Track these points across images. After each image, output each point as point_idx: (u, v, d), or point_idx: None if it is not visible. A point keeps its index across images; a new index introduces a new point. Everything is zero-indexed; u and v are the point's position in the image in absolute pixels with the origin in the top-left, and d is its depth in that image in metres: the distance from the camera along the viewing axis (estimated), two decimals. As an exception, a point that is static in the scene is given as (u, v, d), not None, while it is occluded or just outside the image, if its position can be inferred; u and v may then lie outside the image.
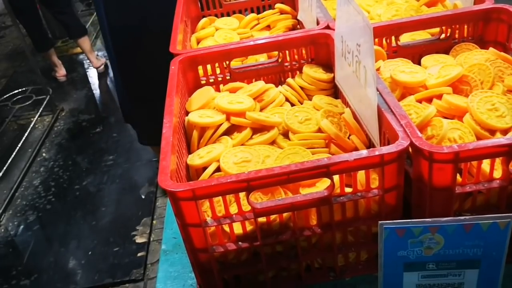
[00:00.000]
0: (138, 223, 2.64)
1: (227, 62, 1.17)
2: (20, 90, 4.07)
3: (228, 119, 0.99)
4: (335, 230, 0.75)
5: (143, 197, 2.84)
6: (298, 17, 1.54)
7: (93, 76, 4.52)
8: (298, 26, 1.57)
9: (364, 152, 0.67)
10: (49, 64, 4.43)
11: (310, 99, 1.10)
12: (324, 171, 0.68)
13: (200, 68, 1.17)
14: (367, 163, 0.68)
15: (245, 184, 0.68)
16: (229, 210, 0.73)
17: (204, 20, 1.64)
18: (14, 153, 3.20)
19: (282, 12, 1.64)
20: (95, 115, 3.85)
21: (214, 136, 0.97)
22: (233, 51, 1.16)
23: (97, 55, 4.66)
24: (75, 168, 3.20)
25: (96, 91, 4.33)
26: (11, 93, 4.03)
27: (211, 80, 1.18)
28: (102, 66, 4.47)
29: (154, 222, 2.65)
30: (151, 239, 2.53)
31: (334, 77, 1.10)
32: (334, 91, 1.13)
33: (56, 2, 4.09)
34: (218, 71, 1.19)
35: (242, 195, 0.71)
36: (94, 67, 4.47)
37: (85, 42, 4.41)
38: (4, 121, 3.72)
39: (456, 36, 1.07)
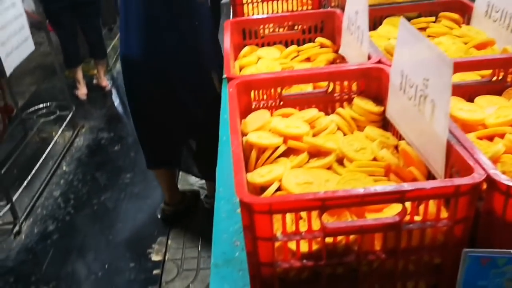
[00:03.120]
0: (153, 241, 2.65)
1: (280, 89, 1.21)
2: (44, 105, 4.13)
3: (285, 142, 1.02)
4: (399, 257, 0.77)
5: (159, 216, 2.85)
6: (340, 52, 1.59)
7: (112, 97, 4.62)
8: (338, 61, 1.62)
9: (440, 182, 0.69)
10: (70, 82, 4.53)
11: (359, 130, 1.14)
12: (399, 196, 0.70)
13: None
14: (441, 192, 0.70)
15: (320, 203, 0.71)
16: (299, 227, 0.75)
17: (246, 48, 1.70)
18: (37, 165, 3.23)
19: (322, 46, 1.69)
20: (114, 134, 3.90)
21: (272, 157, 1.00)
22: (286, 78, 1.20)
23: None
24: (94, 183, 3.23)
25: (115, 111, 4.42)
26: (36, 107, 4.09)
27: (262, 105, 1.22)
28: (109, 87, 4.66)
29: (169, 242, 2.65)
30: (166, 258, 2.53)
31: (384, 110, 1.13)
32: (383, 124, 1.17)
33: (92, 21, 4.23)
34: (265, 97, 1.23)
35: (313, 214, 0.73)
36: (101, 86, 4.62)
37: (103, 64, 4.57)
38: (27, 134, 3.78)
39: (508, 79, 1.11)
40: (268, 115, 1.11)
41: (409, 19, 1.68)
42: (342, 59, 1.57)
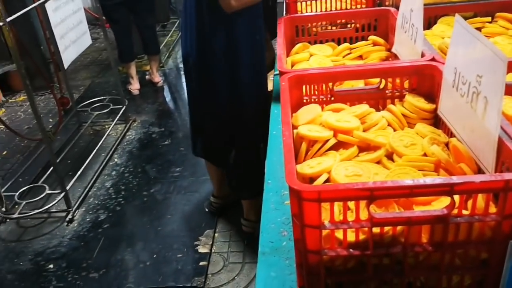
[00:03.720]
0: (201, 233, 2.71)
1: (331, 84, 1.23)
2: (98, 98, 4.30)
3: (335, 135, 1.04)
4: (446, 250, 0.77)
5: (206, 210, 2.92)
6: (393, 50, 1.59)
7: (163, 93, 4.74)
8: (390, 59, 1.61)
9: (490, 176, 0.70)
10: (124, 77, 4.69)
11: (410, 127, 1.14)
12: (448, 189, 0.71)
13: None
14: (490, 187, 0.70)
15: (368, 193, 0.72)
16: (347, 217, 0.77)
17: (298, 45, 1.72)
18: (90, 156, 3.37)
19: (375, 44, 1.69)
20: (164, 129, 4.01)
21: (322, 149, 1.02)
22: (339, 74, 1.22)
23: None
24: (144, 175, 3.34)
25: (166, 106, 4.53)
26: (90, 101, 4.26)
27: (313, 99, 1.24)
28: (161, 83, 4.76)
29: (216, 235, 2.71)
30: (213, 250, 2.59)
31: (436, 108, 1.13)
32: (434, 122, 1.16)
33: (146, 17, 4.37)
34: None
35: (361, 204, 0.75)
36: (154, 81, 4.73)
37: (156, 60, 4.70)
38: (82, 126, 3.95)
39: None
40: (319, 109, 1.13)
41: (464, 18, 1.66)
42: (395, 58, 1.56)
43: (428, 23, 1.75)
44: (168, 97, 4.72)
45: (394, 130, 1.12)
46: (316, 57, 1.63)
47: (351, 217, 0.78)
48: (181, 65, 5.19)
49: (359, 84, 1.34)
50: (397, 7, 1.78)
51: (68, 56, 2.94)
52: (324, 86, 1.23)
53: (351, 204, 0.77)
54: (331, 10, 2.01)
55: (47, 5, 2.70)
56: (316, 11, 2.01)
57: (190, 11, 2.11)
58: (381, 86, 1.24)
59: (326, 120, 1.06)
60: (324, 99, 1.24)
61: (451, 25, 1.61)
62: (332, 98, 1.24)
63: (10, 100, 4.85)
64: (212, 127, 2.36)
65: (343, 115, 1.09)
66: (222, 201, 2.82)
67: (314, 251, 0.79)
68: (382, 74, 1.22)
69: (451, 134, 1.03)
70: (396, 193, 0.73)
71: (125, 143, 3.80)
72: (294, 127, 1.10)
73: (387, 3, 2.06)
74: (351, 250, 0.79)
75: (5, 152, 3.88)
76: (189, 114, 2.45)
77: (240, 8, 1.96)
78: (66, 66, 2.97)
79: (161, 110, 4.40)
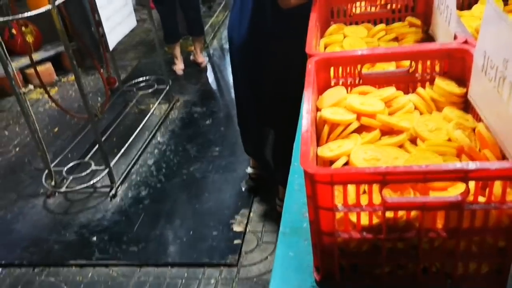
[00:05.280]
0: (236, 212, 2.77)
1: (359, 67, 1.22)
2: (144, 78, 4.40)
3: (358, 119, 1.04)
4: (461, 237, 0.77)
5: (243, 189, 2.97)
6: (430, 31, 1.55)
7: (206, 73, 4.79)
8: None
9: (506, 163, 0.68)
10: (169, 58, 4.76)
11: (439, 111, 1.12)
12: (462, 176, 0.70)
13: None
14: (507, 174, 0.69)
15: (381, 177, 0.72)
16: (360, 200, 0.77)
17: (333, 26, 1.70)
18: (134, 134, 3.48)
19: (411, 25, 1.65)
20: (206, 109, 4.07)
21: (344, 133, 1.02)
22: (366, 57, 1.20)
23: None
24: (184, 154, 3.42)
25: (209, 87, 4.58)
26: (136, 81, 4.37)
27: (341, 82, 1.23)
28: (205, 63, 4.78)
29: (251, 214, 2.76)
30: (247, 229, 2.64)
31: (466, 92, 1.10)
32: (464, 106, 1.13)
33: None
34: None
35: (375, 188, 0.75)
36: (198, 62, 4.76)
37: (200, 41, 4.74)
38: (127, 105, 4.06)
39: None
40: (344, 92, 1.13)
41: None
42: (432, 40, 1.52)
43: (469, 3, 1.69)
44: (211, 77, 4.78)
45: (421, 114, 1.10)
46: (350, 39, 1.61)
47: (365, 201, 0.78)
48: (226, 46, 5.23)
49: (390, 67, 1.32)
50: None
51: (113, 38, 3.02)
52: (352, 69, 1.22)
53: (366, 187, 0.78)
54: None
55: (92, -14, 2.78)
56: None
57: None
58: (411, 70, 1.22)
59: (350, 104, 1.06)
60: (352, 82, 1.24)
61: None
62: (361, 81, 1.23)
63: (62, 80, 5.04)
64: (253, 107, 2.39)
65: (367, 98, 1.09)
66: (259, 172, 2.85)
67: (327, 232, 0.80)
68: (412, 57, 1.19)
69: (480, 120, 1.01)
70: (409, 178, 0.72)
71: (168, 123, 3.90)
72: (319, 109, 1.10)
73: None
74: (364, 233, 0.80)
75: (56, 129, 4.06)
76: (236, 92, 2.50)
77: (296, 5, 1.97)
78: (111, 48, 3.06)
79: (204, 90, 4.47)
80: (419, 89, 1.16)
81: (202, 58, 4.86)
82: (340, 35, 1.65)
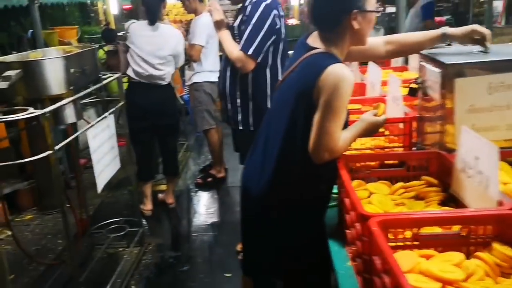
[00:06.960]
0: None
1: (416, 229, 1.26)
2: (114, 220, 4.23)
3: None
4: None
5: None
6: (451, 191, 1.63)
7: (176, 214, 4.72)
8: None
9: None
10: (130, 199, 4.67)
11: (503, 277, 1.15)
12: None
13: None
14: None
15: None
16: None
17: (354, 182, 1.78)
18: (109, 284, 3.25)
19: (429, 184, 1.75)
20: (181, 253, 3.92)
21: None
22: (424, 219, 1.26)
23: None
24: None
25: (181, 229, 4.47)
26: (105, 222, 4.20)
27: (399, 243, 1.26)
28: (174, 204, 4.78)
29: None
30: None
31: (523, 257, 1.15)
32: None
33: (169, 139, 4.53)
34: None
35: None
36: (168, 202, 4.77)
37: (174, 182, 4.77)
38: (94, 248, 3.85)
39: None
40: (416, 257, 1.14)
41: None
42: (455, 200, 1.60)
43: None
44: (182, 218, 4.68)
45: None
46: (377, 196, 1.68)
47: None
48: (191, 187, 5.24)
49: (435, 229, 1.37)
50: (442, 148, 1.87)
51: (101, 180, 2.98)
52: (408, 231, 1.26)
53: None
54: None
55: (88, 132, 2.80)
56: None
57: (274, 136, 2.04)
58: (464, 233, 1.26)
59: (428, 269, 1.07)
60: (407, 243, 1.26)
61: (505, 170, 1.67)
62: (418, 243, 1.25)
63: (16, 219, 4.75)
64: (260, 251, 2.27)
65: (444, 265, 1.10)
66: None
67: None
68: (465, 222, 1.25)
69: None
70: None
71: (142, 268, 3.69)
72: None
73: (426, 143, 2.16)
74: None
75: (12, 275, 3.71)
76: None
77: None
78: (99, 190, 3.00)
79: (176, 233, 4.36)
80: (481, 254, 1.20)
81: (173, 199, 4.80)
82: (365, 192, 1.72)
